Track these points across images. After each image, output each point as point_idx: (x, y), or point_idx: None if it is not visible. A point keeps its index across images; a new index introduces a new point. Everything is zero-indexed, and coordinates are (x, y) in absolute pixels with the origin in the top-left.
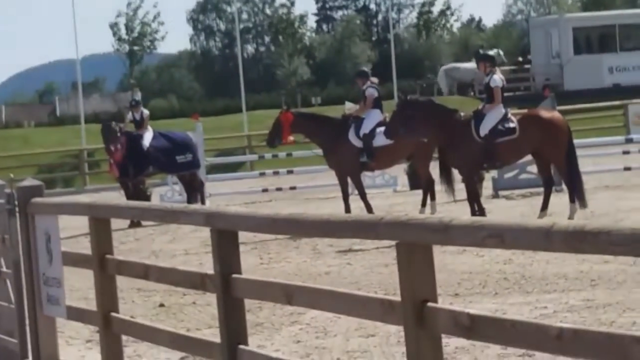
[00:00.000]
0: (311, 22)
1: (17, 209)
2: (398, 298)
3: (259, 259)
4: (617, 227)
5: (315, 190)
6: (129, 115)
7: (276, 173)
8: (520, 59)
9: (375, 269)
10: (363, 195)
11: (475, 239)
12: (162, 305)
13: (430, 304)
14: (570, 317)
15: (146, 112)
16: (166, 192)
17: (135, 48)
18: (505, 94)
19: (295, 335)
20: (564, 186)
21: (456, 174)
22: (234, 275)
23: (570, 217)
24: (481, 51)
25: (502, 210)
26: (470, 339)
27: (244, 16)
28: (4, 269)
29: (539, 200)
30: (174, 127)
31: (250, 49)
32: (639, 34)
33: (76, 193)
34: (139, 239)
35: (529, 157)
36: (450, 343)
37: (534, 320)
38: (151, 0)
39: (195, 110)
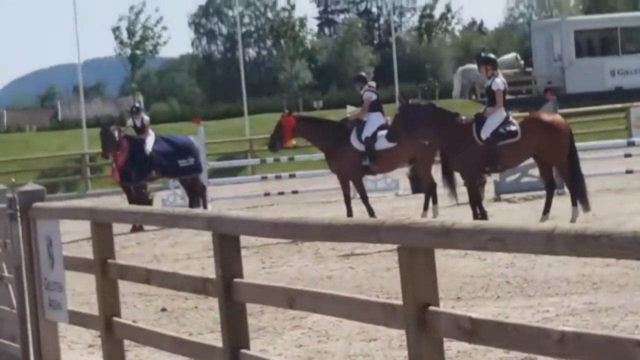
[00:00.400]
0: (313, 25)
1: (18, 214)
2: (400, 302)
3: (261, 263)
4: (619, 230)
5: (317, 194)
6: (130, 122)
7: (278, 177)
8: (522, 62)
9: (377, 273)
10: (365, 199)
11: (477, 243)
12: (164, 309)
13: (432, 307)
14: (573, 320)
15: (146, 118)
16: (168, 197)
17: (137, 52)
18: (507, 97)
19: (297, 339)
20: (566, 189)
21: (458, 177)
22: (236, 280)
23: (573, 221)
24: (483, 54)
25: (504, 214)
26: (472, 342)
27: (246, 20)
28: (6, 274)
29: (541, 203)
30: (176, 131)
31: (252, 52)
32: None
33: (78, 197)
34: (140, 244)
35: (530, 161)
36: (452, 347)
37: (536, 324)
38: (153, 4)
39: (197, 114)
